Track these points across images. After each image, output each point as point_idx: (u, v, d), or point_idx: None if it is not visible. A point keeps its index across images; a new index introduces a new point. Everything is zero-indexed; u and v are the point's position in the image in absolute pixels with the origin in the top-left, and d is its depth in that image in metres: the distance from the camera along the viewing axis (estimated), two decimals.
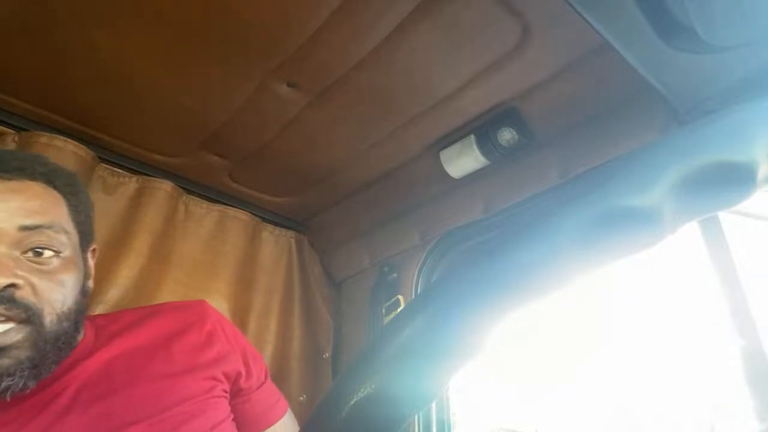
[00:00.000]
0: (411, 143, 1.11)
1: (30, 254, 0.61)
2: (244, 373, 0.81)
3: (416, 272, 1.24)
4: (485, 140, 1.03)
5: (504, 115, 1.00)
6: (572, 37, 0.82)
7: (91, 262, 0.74)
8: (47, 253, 0.62)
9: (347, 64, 0.90)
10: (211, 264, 1.23)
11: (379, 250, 1.33)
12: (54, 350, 0.61)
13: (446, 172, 1.10)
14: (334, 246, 1.44)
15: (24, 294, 0.58)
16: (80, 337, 0.70)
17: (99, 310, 1.01)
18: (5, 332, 0.57)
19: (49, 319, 0.60)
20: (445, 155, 1.09)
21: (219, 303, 1.21)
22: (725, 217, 0.77)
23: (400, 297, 1.24)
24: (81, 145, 1.05)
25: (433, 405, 1.15)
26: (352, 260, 1.40)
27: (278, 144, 1.13)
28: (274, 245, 1.39)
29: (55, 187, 0.66)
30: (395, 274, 1.27)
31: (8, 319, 0.57)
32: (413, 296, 1.23)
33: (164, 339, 0.76)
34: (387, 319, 1.22)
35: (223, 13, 0.80)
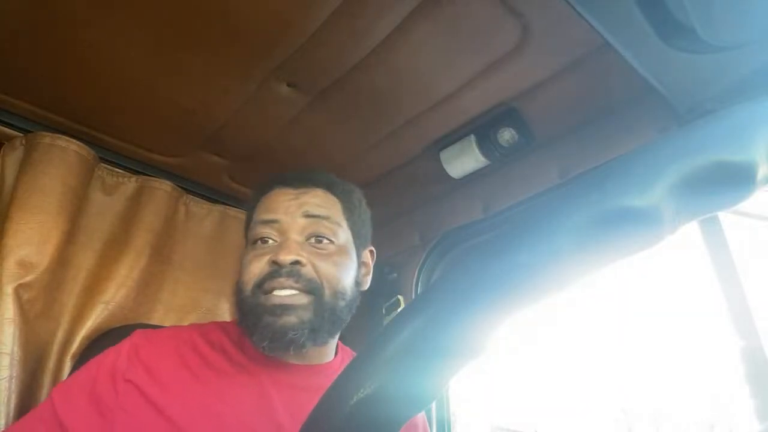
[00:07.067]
0: (411, 143, 1.11)
1: (312, 241, 0.76)
2: None
3: (416, 272, 1.24)
4: (485, 140, 1.03)
5: (504, 115, 1.00)
6: (572, 37, 0.82)
7: (369, 260, 0.88)
8: (325, 241, 0.76)
9: (347, 64, 0.90)
10: (213, 264, 1.23)
11: (379, 250, 1.33)
12: (329, 322, 0.73)
13: (446, 172, 1.10)
14: None
15: (307, 270, 0.73)
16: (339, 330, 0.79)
17: (100, 310, 1.01)
18: (291, 296, 0.71)
19: (328, 292, 0.73)
20: (445, 155, 1.09)
21: (220, 303, 1.21)
22: (725, 217, 0.76)
23: (400, 297, 1.24)
24: (83, 145, 1.05)
25: (433, 405, 1.15)
26: None
27: (278, 144, 1.13)
28: None
29: (332, 193, 0.82)
30: (395, 274, 1.27)
31: (293, 288, 0.71)
32: (413, 296, 1.24)
33: None
34: (387, 319, 1.22)
35: (223, 13, 0.80)
